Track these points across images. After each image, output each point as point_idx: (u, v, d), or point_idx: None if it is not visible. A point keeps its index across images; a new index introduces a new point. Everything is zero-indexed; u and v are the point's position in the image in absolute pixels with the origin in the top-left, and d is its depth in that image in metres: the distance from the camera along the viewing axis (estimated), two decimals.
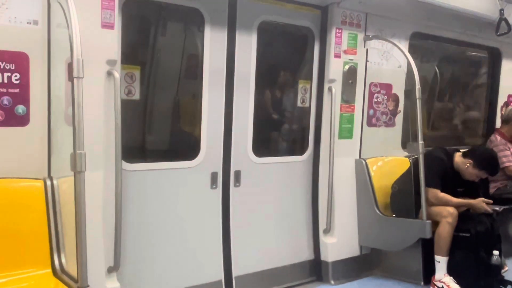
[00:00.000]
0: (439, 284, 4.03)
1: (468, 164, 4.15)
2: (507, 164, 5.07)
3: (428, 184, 4.05)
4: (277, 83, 4.35)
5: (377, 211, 4.31)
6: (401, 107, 4.79)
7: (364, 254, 4.47)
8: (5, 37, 2.69)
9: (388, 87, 4.66)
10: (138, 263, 3.39)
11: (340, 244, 4.30)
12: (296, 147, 4.47)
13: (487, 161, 4.20)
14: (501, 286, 4.08)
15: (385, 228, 4.28)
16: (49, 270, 2.69)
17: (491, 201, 4.21)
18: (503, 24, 4.89)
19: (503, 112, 5.87)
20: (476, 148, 4.51)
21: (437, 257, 4.06)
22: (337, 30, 4.13)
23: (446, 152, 4.31)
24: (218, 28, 3.62)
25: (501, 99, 6.00)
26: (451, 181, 4.21)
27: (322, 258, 4.29)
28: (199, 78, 3.62)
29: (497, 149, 5.15)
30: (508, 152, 5.15)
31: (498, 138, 5.23)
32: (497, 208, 4.17)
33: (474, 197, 4.27)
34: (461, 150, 4.40)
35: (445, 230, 4.01)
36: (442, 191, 4.14)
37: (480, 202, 4.12)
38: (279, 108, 4.42)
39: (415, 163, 4.16)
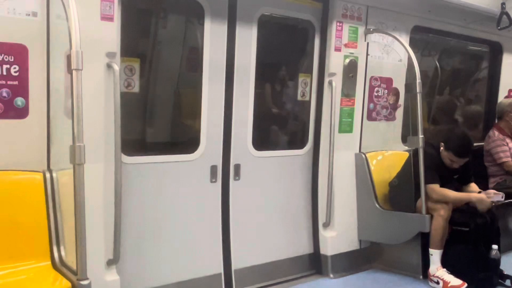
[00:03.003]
0: (435, 279, 4.05)
1: (442, 148, 4.15)
2: (505, 159, 5.06)
3: (425, 181, 4.02)
4: (277, 76, 4.34)
5: (377, 205, 4.31)
6: (401, 101, 4.78)
7: (364, 247, 4.48)
8: (4, 29, 2.68)
9: (388, 81, 4.65)
10: (138, 256, 3.40)
11: (339, 237, 4.30)
12: (296, 141, 4.46)
13: (455, 142, 4.12)
14: (500, 280, 4.09)
15: (385, 222, 4.29)
16: (49, 262, 2.70)
17: (491, 192, 4.20)
18: (504, 18, 4.86)
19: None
20: (451, 130, 4.42)
21: (431, 250, 4.08)
22: (338, 24, 4.12)
23: (433, 146, 4.26)
24: (218, 20, 3.61)
25: (502, 94, 5.98)
26: (443, 173, 4.19)
27: (322, 251, 4.29)
28: (199, 71, 3.61)
29: (494, 144, 5.15)
30: (506, 147, 5.14)
31: (496, 133, 5.22)
32: (500, 198, 4.14)
33: (467, 182, 4.29)
34: None
35: (437, 223, 4.00)
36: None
37: (481, 197, 4.10)
38: (279, 101, 4.42)
39: (413, 156, 4.14)
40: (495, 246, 4.04)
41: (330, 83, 4.15)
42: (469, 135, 4.34)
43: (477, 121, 6.16)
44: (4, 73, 2.70)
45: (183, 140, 3.88)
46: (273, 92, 4.34)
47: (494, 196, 4.12)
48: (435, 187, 4.08)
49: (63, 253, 2.72)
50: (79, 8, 2.34)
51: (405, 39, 4.54)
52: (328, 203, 4.22)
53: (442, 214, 4.01)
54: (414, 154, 4.14)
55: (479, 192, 4.17)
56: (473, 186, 4.35)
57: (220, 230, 3.82)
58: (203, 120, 3.64)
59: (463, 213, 4.16)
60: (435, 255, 4.05)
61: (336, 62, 4.16)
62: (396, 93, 4.73)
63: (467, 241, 4.09)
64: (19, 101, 2.76)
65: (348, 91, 4.28)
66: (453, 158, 4.11)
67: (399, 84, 4.73)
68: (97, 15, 2.88)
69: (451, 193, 4.12)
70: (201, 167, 3.67)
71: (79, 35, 2.29)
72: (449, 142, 4.13)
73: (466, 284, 3.91)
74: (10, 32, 2.70)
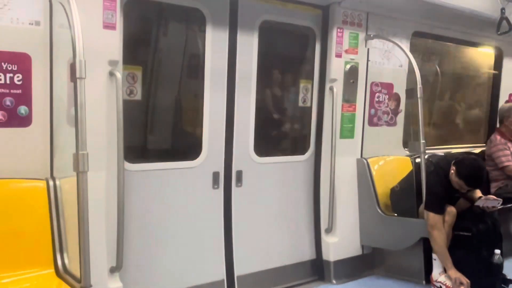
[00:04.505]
0: (437, 284, 4.04)
1: (452, 171, 4.04)
2: (506, 164, 5.06)
3: (428, 208, 3.98)
4: (279, 82, 4.35)
5: (379, 211, 4.31)
6: (402, 106, 4.79)
7: (366, 253, 4.47)
8: (7, 37, 2.70)
9: (389, 86, 4.66)
10: (141, 263, 3.40)
11: (341, 243, 4.30)
12: (297, 146, 4.47)
13: (467, 171, 3.96)
14: (503, 285, 4.08)
15: (387, 228, 4.28)
16: (52, 270, 2.71)
17: (491, 197, 4.18)
18: (504, 23, 4.89)
19: None
20: (465, 157, 4.27)
21: (434, 255, 4.07)
22: (338, 30, 4.14)
23: (443, 168, 4.14)
24: (220, 28, 3.63)
25: (503, 98, 6.00)
26: (450, 194, 4.12)
27: (324, 257, 4.29)
28: (200, 78, 3.63)
29: (496, 148, 5.15)
30: (508, 152, 5.14)
31: (498, 137, 5.24)
32: (495, 204, 4.13)
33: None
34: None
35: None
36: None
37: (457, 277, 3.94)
38: (281, 107, 4.43)
39: (416, 171, 4.14)
40: (497, 251, 4.03)
41: (331, 89, 4.17)
42: (482, 164, 4.23)
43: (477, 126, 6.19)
44: (8, 81, 2.72)
45: (185, 147, 3.89)
46: (274, 98, 4.35)
47: (491, 201, 4.11)
48: (433, 217, 3.94)
49: (66, 260, 2.72)
50: (81, 17, 2.36)
51: (405, 45, 4.56)
52: (330, 209, 4.22)
53: (446, 219, 4.01)
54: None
55: (480, 197, 4.16)
56: (477, 191, 4.33)
57: (222, 236, 3.82)
58: (205, 127, 3.65)
59: (465, 218, 4.16)
60: (438, 260, 4.05)
61: (337, 68, 4.18)
62: (397, 98, 4.75)
63: (470, 247, 4.08)
64: (23, 109, 2.78)
65: (349, 97, 4.29)
66: (464, 186, 3.99)
67: (400, 89, 4.75)
68: (99, 24, 2.90)
69: (440, 241, 3.95)
70: (203, 173, 3.68)
71: (81, 43, 2.31)
72: (461, 170, 3.97)
73: None
74: (14, 41, 2.72)
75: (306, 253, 4.34)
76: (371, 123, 4.56)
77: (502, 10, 4.82)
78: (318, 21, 4.19)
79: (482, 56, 6.03)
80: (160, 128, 3.80)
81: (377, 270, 4.49)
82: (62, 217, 2.77)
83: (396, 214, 4.32)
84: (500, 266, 4.06)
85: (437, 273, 4.05)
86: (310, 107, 4.32)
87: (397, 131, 4.81)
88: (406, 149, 4.76)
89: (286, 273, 4.19)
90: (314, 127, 4.31)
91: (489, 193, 4.62)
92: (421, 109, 4.10)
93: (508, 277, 4.13)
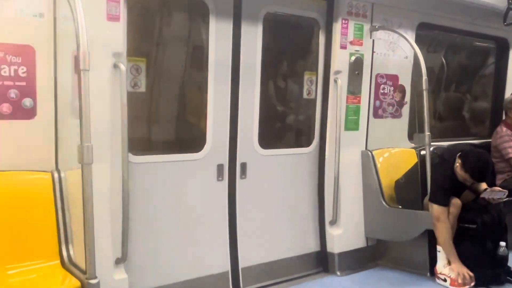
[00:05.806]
0: (442, 276, 4.04)
1: (457, 164, 4.03)
2: None
3: (433, 200, 3.98)
4: (283, 74, 4.33)
5: (383, 203, 4.31)
6: (407, 98, 4.77)
7: (370, 245, 4.47)
8: (11, 30, 2.70)
9: (394, 78, 4.64)
10: (146, 254, 3.41)
11: (346, 235, 4.30)
12: (302, 139, 4.46)
13: (473, 164, 3.95)
14: (508, 277, 4.07)
15: (391, 219, 4.28)
16: (58, 261, 2.73)
17: (497, 189, 4.16)
18: (510, 13, 4.85)
19: None
20: (471, 149, 4.24)
21: (438, 247, 4.07)
22: (343, 21, 4.11)
23: (447, 160, 4.13)
24: (224, 19, 3.61)
25: (509, 90, 5.95)
26: (455, 186, 4.11)
27: (328, 249, 4.30)
28: (204, 70, 3.62)
29: (502, 140, 5.14)
30: None
31: (504, 129, 5.22)
32: (502, 195, 4.10)
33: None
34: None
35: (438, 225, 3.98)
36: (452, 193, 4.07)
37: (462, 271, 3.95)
38: (285, 99, 4.42)
39: (421, 163, 4.12)
40: (502, 243, 4.03)
41: (335, 80, 4.15)
42: (488, 157, 4.21)
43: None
44: (12, 74, 2.72)
45: (189, 139, 3.89)
46: (278, 90, 4.34)
47: (496, 193, 4.09)
48: (437, 209, 3.95)
49: (71, 252, 2.75)
50: (85, 9, 2.36)
51: (410, 36, 4.53)
52: (335, 201, 4.22)
53: (451, 211, 4.00)
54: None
55: (485, 189, 4.15)
56: (483, 183, 4.32)
57: (227, 228, 3.83)
58: (209, 119, 3.65)
59: (470, 210, 4.15)
60: (443, 252, 4.04)
61: (341, 59, 4.16)
62: (402, 90, 4.72)
63: (475, 238, 4.08)
64: (27, 101, 2.79)
65: (354, 89, 4.27)
66: (469, 179, 3.99)
67: (405, 81, 4.72)
68: (103, 16, 2.89)
69: (444, 233, 3.96)
70: (207, 165, 3.68)
71: (85, 35, 2.31)
72: (467, 163, 3.96)
73: (473, 282, 3.90)
74: (18, 33, 2.72)
75: (311, 245, 4.34)
76: (376, 115, 4.54)
77: (509, 0, 4.78)
78: (322, 12, 4.16)
79: None
80: (164, 120, 3.80)
81: (382, 262, 4.50)
82: (67, 209, 2.79)
83: (400, 206, 4.32)
84: (505, 258, 4.06)
85: (441, 265, 4.05)
86: (315, 99, 4.30)
87: (402, 123, 4.79)
88: (411, 141, 4.74)
89: (291, 265, 4.20)
90: (318, 119, 4.30)
91: (495, 185, 4.61)
92: (426, 101, 4.08)
93: None
